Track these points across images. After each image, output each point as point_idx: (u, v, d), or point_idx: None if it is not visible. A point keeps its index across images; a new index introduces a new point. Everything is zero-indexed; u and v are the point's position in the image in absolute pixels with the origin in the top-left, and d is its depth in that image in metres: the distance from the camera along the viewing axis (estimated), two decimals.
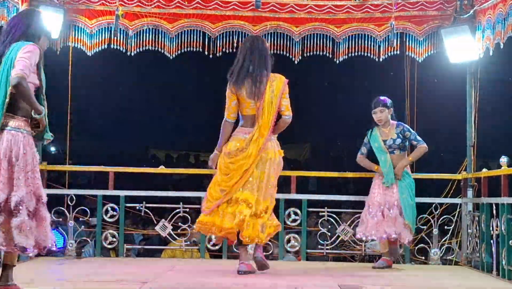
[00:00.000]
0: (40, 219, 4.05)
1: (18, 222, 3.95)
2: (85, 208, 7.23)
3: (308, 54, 7.30)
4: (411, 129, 6.54)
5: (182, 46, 7.22)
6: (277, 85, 5.56)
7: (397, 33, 7.06)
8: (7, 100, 4.03)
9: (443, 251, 7.07)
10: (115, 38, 7.07)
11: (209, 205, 5.55)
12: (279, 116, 5.60)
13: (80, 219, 7.14)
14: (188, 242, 7.25)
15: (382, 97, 6.53)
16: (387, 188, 6.43)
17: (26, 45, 4.08)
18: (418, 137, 6.44)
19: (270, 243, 7.11)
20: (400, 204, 6.33)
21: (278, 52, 7.20)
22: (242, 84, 5.53)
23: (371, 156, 6.61)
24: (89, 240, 7.50)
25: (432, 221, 7.07)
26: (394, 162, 6.43)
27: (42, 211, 4.07)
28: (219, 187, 5.54)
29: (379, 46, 7.20)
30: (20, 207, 3.96)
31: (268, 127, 5.50)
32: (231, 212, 5.44)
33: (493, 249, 6.14)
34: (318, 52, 7.27)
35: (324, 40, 7.25)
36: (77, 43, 7.14)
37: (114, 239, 7.05)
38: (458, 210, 7.15)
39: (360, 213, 6.80)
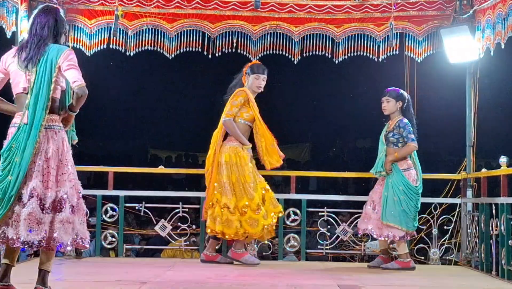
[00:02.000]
0: (80, 213, 4.15)
1: (62, 217, 4.02)
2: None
3: (307, 54, 7.30)
4: (407, 126, 6.38)
5: (182, 46, 7.22)
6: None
7: (396, 33, 7.06)
8: (49, 103, 4.09)
9: (443, 251, 7.07)
10: (115, 38, 7.07)
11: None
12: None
13: None
14: (188, 242, 7.25)
15: (391, 88, 6.50)
16: (380, 183, 6.45)
17: (64, 50, 4.13)
18: (410, 136, 6.33)
19: (270, 242, 7.13)
20: (381, 202, 6.34)
21: (278, 52, 7.21)
22: None
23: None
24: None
25: (431, 221, 7.07)
26: (387, 155, 6.44)
27: (81, 204, 4.19)
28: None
29: (379, 46, 7.20)
30: (65, 203, 4.04)
31: (215, 135, 6.49)
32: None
33: (493, 249, 6.15)
34: (317, 52, 7.27)
35: (324, 40, 7.25)
36: (77, 43, 7.13)
37: (114, 239, 7.04)
38: (457, 210, 7.15)
39: (360, 213, 6.83)
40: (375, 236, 6.48)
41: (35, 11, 4.29)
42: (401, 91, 6.52)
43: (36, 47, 4.13)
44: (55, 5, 4.30)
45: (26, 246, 3.98)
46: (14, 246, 4.01)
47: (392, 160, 6.36)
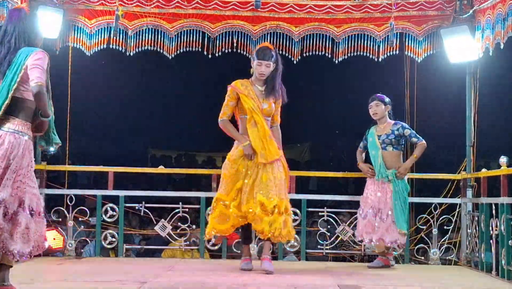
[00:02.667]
0: (16, 224, 4.00)
1: None
2: (85, 208, 7.22)
3: (307, 54, 7.30)
4: (409, 127, 6.56)
5: (182, 46, 7.22)
6: None
7: (396, 33, 7.06)
8: (7, 102, 4.03)
9: (443, 251, 7.07)
10: (115, 38, 7.07)
11: None
12: None
13: (80, 219, 7.14)
14: (188, 242, 7.25)
15: (379, 94, 6.59)
16: (381, 191, 6.44)
17: (35, 51, 4.08)
18: (418, 135, 6.47)
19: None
20: (387, 209, 6.36)
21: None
22: None
23: (368, 152, 6.64)
24: (88, 240, 7.51)
25: (431, 221, 7.07)
26: (385, 159, 6.45)
27: (19, 216, 4.01)
28: None
29: (379, 46, 7.20)
30: None
31: None
32: None
33: (493, 249, 6.14)
34: (317, 52, 7.27)
35: (324, 40, 7.25)
36: (77, 43, 7.14)
37: (114, 239, 7.04)
38: (457, 210, 7.15)
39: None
40: (387, 244, 6.43)
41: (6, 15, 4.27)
42: (387, 97, 6.58)
43: (5, 58, 4.09)
44: (21, 6, 4.22)
45: None
46: None
47: (412, 162, 6.48)
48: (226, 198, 5.76)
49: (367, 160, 6.65)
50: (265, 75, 5.84)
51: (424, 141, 6.43)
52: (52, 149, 4.38)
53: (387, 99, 6.55)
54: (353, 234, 7.06)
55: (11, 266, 4.15)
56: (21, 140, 4.06)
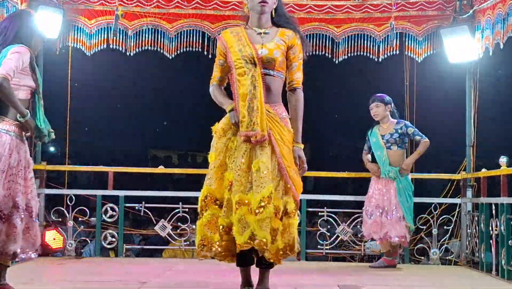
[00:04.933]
0: (10, 225, 3.97)
1: None
2: (85, 208, 7.23)
3: (307, 54, 7.28)
4: (413, 126, 6.59)
5: (182, 46, 7.22)
6: None
7: (396, 33, 7.06)
8: None
9: (443, 251, 7.07)
10: (115, 38, 7.07)
11: None
12: None
13: (80, 219, 7.14)
14: (188, 242, 7.26)
15: (379, 94, 6.59)
16: (385, 189, 6.45)
17: (14, 46, 4.02)
18: (421, 133, 6.48)
19: None
20: (401, 208, 6.35)
21: None
22: None
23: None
24: (88, 240, 7.51)
25: (431, 221, 7.07)
26: (390, 158, 6.45)
27: (14, 218, 3.97)
28: None
29: (379, 46, 7.20)
30: None
31: None
32: None
33: (493, 249, 6.14)
34: (317, 52, 7.26)
35: (324, 40, 7.24)
36: (77, 43, 7.14)
37: (114, 239, 7.05)
38: (457, 210, 7.15)
39: (360, 213, 6.85)
40: (394, 240, 6.42)
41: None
42: (386, 96, 6.58)
43: None
44: (27, 10, 4.19)
45: None
46: None
47: (415, 159, 6.47)
48: (218, 193, 4.13)
49: (373, 160, 6.64)
50: (268, 3, 4.28)
51: (427, 139, 6.44)
52: (46, 138, 4.20)
53: (387, 99, 6.55)
54: (353, 234, 7.05)
55: (8, 266, 4.13)
56: (5, 139, 3.99)
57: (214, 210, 4.09)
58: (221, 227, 4.04)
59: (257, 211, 3.91)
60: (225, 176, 4.08)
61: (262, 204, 3.91)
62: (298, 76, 4.33)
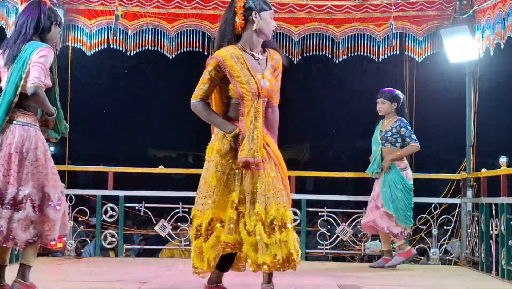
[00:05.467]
0: (44, 214, 4.04)
1: (20, 216, 3.96)
2: (85, 208, 7.23)
3: (307, 54, 7.30)
4: (408, 126, 6.44)
5: (182, 46, 7.23)
6: None
7: (396, 33, 7.07)
8: (15, 99, 4.04)
9: (443, 251, 7.07)
10: (115, 38, 7.07)
11: None
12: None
13: (80, 219, 7.14)
14: (188, 242, 7.25)
15: (386, 89, 6.52)
16: (377, 183, 6.46)
17: (40, 47, 4.06)
18: (413, 136, 6.39)
19: None
20: (380, 197, 6.35)
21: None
22: None
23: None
24: (88, 240, 7.51)
25: (431, 221, 7.07)
26: (383, 154, 6.44)
27: (46, 209, 4.04)
28: None
29: (379, 46, 7.20)
30: (25, 202, 3.97)
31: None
32: None
33: (493, 249, 6.14)
34: (317, 52, 7.27)
35: (324, 40, 7.25)
36: (77, 43, 7.14)
37: (114, 239, 7.05)
38: (457, 210, 7.15)
39: (359, 212, 6.85)
40: (378, 228, 6.42)
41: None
42: (396, 92, 6.51)
43: (14, 45, 4.08)
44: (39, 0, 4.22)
45: None
46: None
47: (393, 158, 6.37)
48: (223, 215, 4.13)
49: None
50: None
51: (416, 144, 6.36)
52: (54, 138, 4.34)
53: (395, 95, 6.45)
54: (353, 234, 7.05)
55: (31, 266, 4.17)
56: (30, 132, 4.08)
57: (219, 232, 4.14)
58: (223, 243, 4.12)
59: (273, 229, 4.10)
60: (229, 197, 4.11)
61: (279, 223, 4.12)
62: (278, 96, 4.29)
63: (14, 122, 4.07)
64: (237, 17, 4.12)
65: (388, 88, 6.53)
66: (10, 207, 3.97)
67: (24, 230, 3.97)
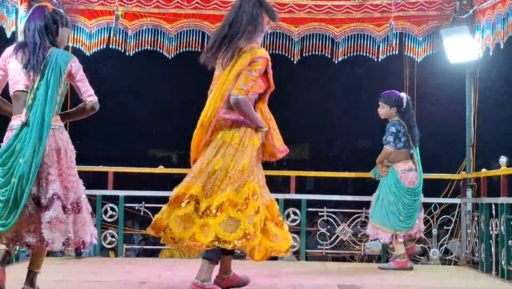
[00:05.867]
0: (78, 214, 4.07)
1: (50, 216, 3.95)
2: None
3: (307, 54, 7.30)
4: (390, 129, 6.30)
5: (181, 46, 7.22)
6: (243, 58, 4.37)
7: (396, 33, 7.07)
8: (56, 106, 4.10)
9: (443, 251, 7.07)
10: (115, 38, 7.07)
11: None
12: None
13: None
14: None
15: (387, 92, 6.43)
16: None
17: (73, 58, 4.16)
18: (389, 139, 6.28)
19: None
20: (373, 203, 6.36)
21: (278, 52, 7.20)
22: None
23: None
24: None
25: (431, 221, 7.07)
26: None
27: (82, 207, 4.09)
28: None
29: (378, 46, 7.20)
30: (55, 202, 3.98)
31: (215, 104, 4.43)
32: None
33: (492, 249, 6.15)
34: (317, 52, 7.27)
35: (324, 40, 7.25)
36: (77, 43, 7.13)
37: (114, 239, 7.05)
38: (457, 210, 7.15)
39: (359, 212, 6.86)
40: (371, 237, 6.46)
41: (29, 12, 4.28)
42: (398, 95, 6.38)
43: (36, 53, 4.07)
44: (41, 4, 4.22)
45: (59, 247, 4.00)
46: (39, 248, 4.01)
47: (378, 162, 6.41)
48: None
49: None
50: None
51: (387, 147, 6.28)
52: None
53: (394, 99, 6.34)
54: (353, 234, 7.06)
55: (39, 273, 4.16)
56: (64, 134, 4.14)
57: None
58: None
59: None
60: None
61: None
62: None
63: (54, 127, 4.10)
64: (265, 15, 4.47)
65: (390, 91, 6.43)
66: (71, 213, 4.01)
67: (55, 231, 3.96)
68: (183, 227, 4.26)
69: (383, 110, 6.41)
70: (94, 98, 4.14)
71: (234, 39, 4.39)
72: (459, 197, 7.21)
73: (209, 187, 4.30)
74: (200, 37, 7.20)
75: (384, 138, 6.34)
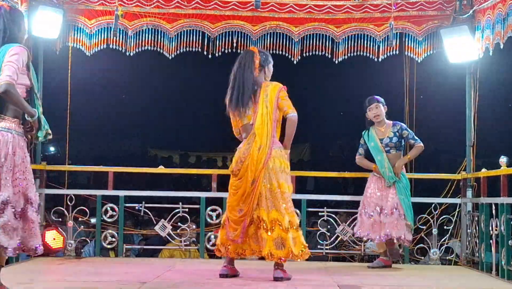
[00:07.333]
0: (27, 220, 4.01)
1: (2, 222, 3.90)
2: (85, 208, 7.22)
3: (307, 54, 7.30)
4: (408, 128, 6.58)
5: (182, 46, 7.22)
6: (271, 91, 5.34)
7: (396, 33, 7.06)
8: None
9: (443, 251, 7.07)
10: (115, 38, 7.07)
11: (234, 232, 5.29)
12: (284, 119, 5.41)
13: (80, 219, 7.14)
14: (188, 242, 7.25)
15: (376, 96, 6.59)
16: (384, 189, 6.45)
17: (12, 47, 4.04)
18: (415, 137, 6.48)
19: None
20: (401, 206, 6.34)
21: (278, 52, 7.20)
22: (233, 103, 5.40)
23: (369, 156, 6.62)
24: (88, 240, 7.51)
25: (431, 221, 7.07)
26: (390, 161, 6.44)
27: (29, 213, 4.01)
28: (236, 208, 5.31)
29: (379, 46, 7.20)
30: (6, 207, 3.92)
31: (265, 135, 5.30)
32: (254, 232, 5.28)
33: (493, 249, 6.14)
34: (317, 52, 7.27)
35: (324, 40, 7.25)
36: (77, 43, 7.13)
37: (114, 239, 7.05)
38: (457, 210, 7.15)
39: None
40: (394, 239, 6.41)
41: None
42: (380, 98, 6.59)
43: None
44: (17, 8, 4.17)
45: None
46: None
47: (405, 162, 6.49)
48: None
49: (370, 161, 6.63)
50: None
51: (421, 144, 6.45)
52: (40, 138, 4.22)
53: (383, 100, 6.58)
54: (353, 234, 7.05)
55: (2, 266, 4.13)
56: (8, 138, 4.01)
57: None
58: None
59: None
60: None
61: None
62: None
63: None
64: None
65: (375, 96, 6.58)
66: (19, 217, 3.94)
67: (7, 235, 3.91)
68: None
69: (379, 110, 6.52)
70: (5, 82, 3.90)
71: None
72: (459, 197, 7.21)
73: None
74: (200, 37, 7.20)
75: (411, 136, 6.46)
